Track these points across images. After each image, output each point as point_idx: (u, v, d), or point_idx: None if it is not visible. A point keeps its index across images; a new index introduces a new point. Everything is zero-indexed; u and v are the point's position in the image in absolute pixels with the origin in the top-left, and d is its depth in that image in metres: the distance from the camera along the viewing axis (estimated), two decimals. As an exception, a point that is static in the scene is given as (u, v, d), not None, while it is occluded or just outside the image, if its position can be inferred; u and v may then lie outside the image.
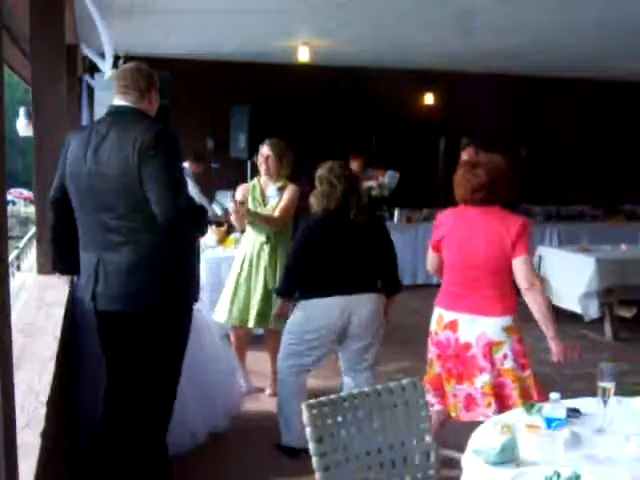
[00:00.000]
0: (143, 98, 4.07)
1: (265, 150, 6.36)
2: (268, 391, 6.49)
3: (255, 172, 7.16)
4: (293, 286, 5.26)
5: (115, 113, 4.05)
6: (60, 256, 4.41)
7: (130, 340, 4.01)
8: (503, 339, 4.25)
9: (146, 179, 3.74)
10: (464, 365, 4.28)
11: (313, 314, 5.13)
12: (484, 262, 4.24)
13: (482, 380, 4.24)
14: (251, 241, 6.30)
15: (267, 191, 6.41)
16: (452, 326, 4.31)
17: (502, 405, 4.21)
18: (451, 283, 4.43)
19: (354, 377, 5.29)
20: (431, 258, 4.63)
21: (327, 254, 5.10)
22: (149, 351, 4.03)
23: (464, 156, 7.50)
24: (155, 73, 4.23)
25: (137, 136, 3.79)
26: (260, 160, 6.41)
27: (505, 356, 4.26)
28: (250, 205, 6.35)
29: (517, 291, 4.31)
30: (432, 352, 4.51)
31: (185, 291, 4.13)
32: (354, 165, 11.55)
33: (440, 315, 4.42)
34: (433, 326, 4.48)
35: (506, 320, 4.27)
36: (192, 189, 9.26)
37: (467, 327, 4.26)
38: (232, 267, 6.61)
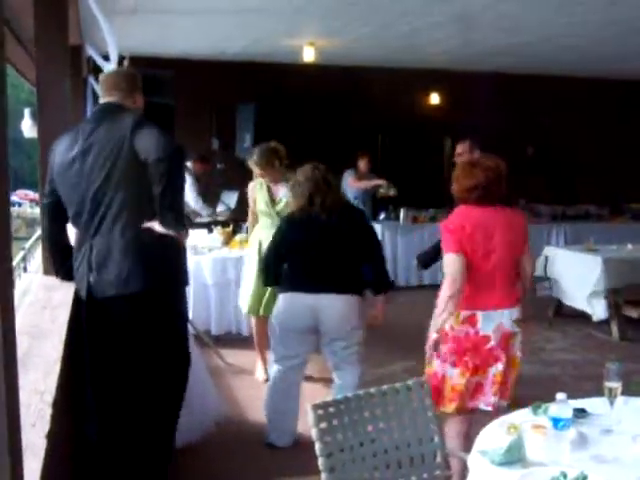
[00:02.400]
0: (127, 97, 4.24)
1: (253, 162, 6.47)
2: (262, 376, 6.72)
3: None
4: (272, 279, 5.38)
5: (101, 110, 4.22)
6: (59, 262, 4.49)
7: (127, 327, 4.05)
8: (516, 330, 4.28)
9: (140, 136, 3.86)
10: (481, 357, 4.26)
11: (283, 308, 5.24)
12: (504, 259, 4.26)
13: (496, 369, 4.24)
14: (265, 235, 6.27)
15: (278, 192, 6.49)
16: (471, 321, 4.27)
17: (502, 394, 4.27)
18: (474, 284, 4.37)
19: (340, 376, 5.33)
20: (459, 261, 4.26)
21: (297, 252, 5.21)
22: (150, 336, 4.07)
23: (458, 149, 7.47)
24: (138, 75, 4.40)
25: (129, 118, 3.96)
26: (254, 167, 6.53)
27: (516, 346, 4.34)
28: (261, 204, 6.51)
29: None
30: (444, 348, 4.40)
31: (176, 273, 4.18)
32: (362, 163, 11.60)
33: (456, 314, 4.38)
34: (447, 324, 4.42)
35: (518, 311, 4.31)
36: (190, 187, 9.29)
37: (486, 321, 4.24)
38: (249, 260, 6.77)
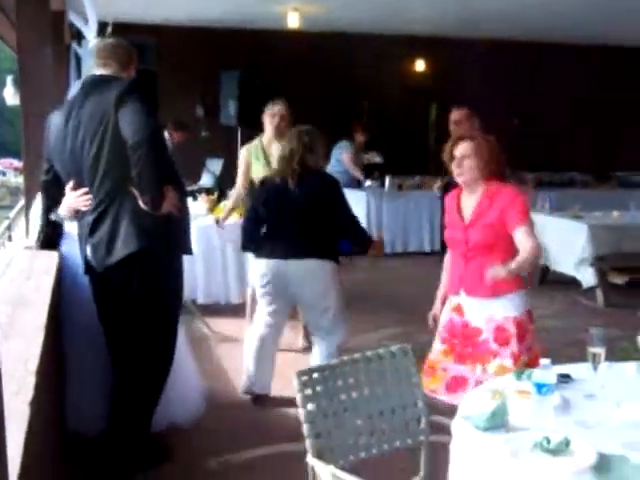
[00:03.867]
0: (122, 70, 4.22)
1: (280, 109, 6.58)
2: (301, 343, 6.80)
3: (245, 139, 7.15)
4: (249, 242, 5.50)
5: (94, 80, 4.20)
6: (44, 233, 4.59)
7: (123, 290, 4.09)
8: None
9: (122, 115, 3.85)
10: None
11: (254, 269, 5.53)
12: None
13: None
14: None
15: (272, 150, 6.50)
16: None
17: None
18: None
19: (317, 342, 5.47)
20: None
21: (268, 217, 5.31)
22: (141, 300, 4.11)
23: (455, 116, 7.37)
24: (135, 51, 4.38)
25: (114, 90, 3.95)
26: (268, 118, 6.59)
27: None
28: (255, 165, 6.56)
29: None
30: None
31: (172, 237, 4.20)
32: (358, 136, 11.68)
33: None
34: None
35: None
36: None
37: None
38: None
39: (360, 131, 11.76)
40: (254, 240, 5.43)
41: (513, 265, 3.96)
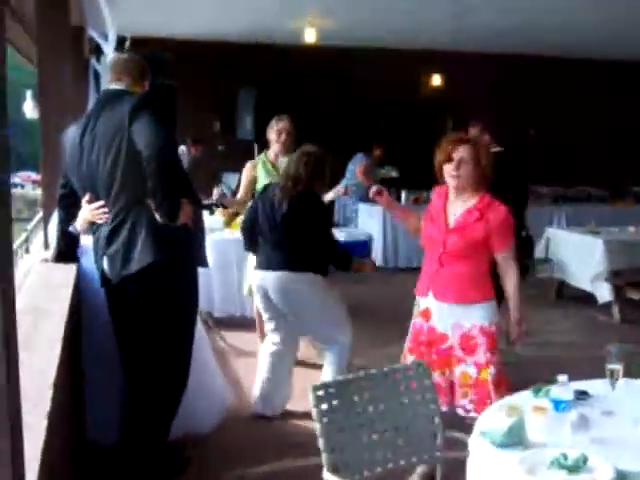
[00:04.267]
0: (135, 85, 4.25)
1: (285, 125, 6.59)
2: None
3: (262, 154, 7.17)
4: (248, 245, 5.63)
5: (108, 95, 4.25)
6: (61, 247, 4.63)
7: (139, 301, 4.11)
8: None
9: (136, 129, 3.86)
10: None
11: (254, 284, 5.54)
12: None
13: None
14: None
15: (281, 165, 6.47)
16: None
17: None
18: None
19: (323, 354, 5.57)
20: None
21: (258, 228, 5.41)
22: (157, 311, 4.11)
23: (472, 132, 7.24)
24: (147, 65, 4.42)
25: (128, 103, 3.97)
26: (274, 135, 6.60)
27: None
28: (264, 179, 6.49)
29: None
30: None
31: (188, 249, 4.21)
32: (377, 152, 11.79)
33: None
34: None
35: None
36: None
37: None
38: None
39: (379, 151, 11.85)
40: (250, 240, 5.56)
41: (515, 308, 4.17)
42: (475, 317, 4.12)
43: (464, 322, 4.12)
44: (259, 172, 6.63)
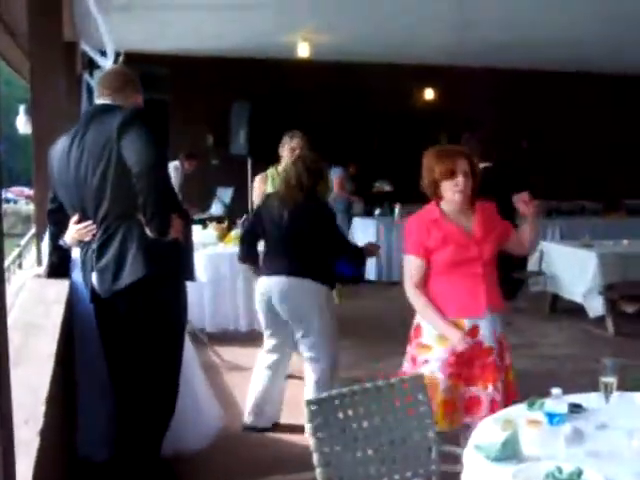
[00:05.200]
0: (118, 95, 4.22)
1: (299, 142, 6.62)
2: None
3: (257, 168, 7.19)
4: (244, 255, 5.63)
5: (97, 109, 4.25)
6: (52, 262, 4.62)
7: (129, 316, 4.09)
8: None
9: (125, 144, 3.85)
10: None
11: (256, 291, 5.49)
12: None
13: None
14: None
15: None
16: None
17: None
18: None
19: (306, 369, 5.47)
20: None
21: (262, 235, 5.45)
22: (147, 326, 4.09)
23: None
24: (130, 72, 4.44)
25: (117, 118, 3.94)
26: (287, 152, 6.61)
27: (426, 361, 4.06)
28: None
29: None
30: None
31: (178, 263, 4.20)
32: (352, 169, 11.87)
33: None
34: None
35: None
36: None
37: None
38: None
39: (352, 164, 11.93)
40: (247, 250, 5.58)
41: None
42: (501, 324, 4.14)
43: (498, 329, 4.10)
44: (269, 187, 6.66)
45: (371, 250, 5.81)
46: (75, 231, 4.12)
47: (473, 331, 4.01)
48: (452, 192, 4.03)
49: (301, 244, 5.25)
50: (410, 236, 4.13)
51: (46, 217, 4.51)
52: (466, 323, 4.00)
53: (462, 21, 9.39)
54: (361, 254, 5.68)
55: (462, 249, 4.03)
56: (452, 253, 4.01)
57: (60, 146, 4.20)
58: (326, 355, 5.38)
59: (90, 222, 4.05)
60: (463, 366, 4.02)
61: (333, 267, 5.48)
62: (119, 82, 4.26)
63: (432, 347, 4.01)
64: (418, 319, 4.13)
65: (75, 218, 4.13)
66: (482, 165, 6.07)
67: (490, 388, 4.02)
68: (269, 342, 5.56)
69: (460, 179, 3.99)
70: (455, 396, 4.00)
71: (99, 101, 4.26)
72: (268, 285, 5.31)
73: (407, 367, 4.16)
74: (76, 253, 4.52)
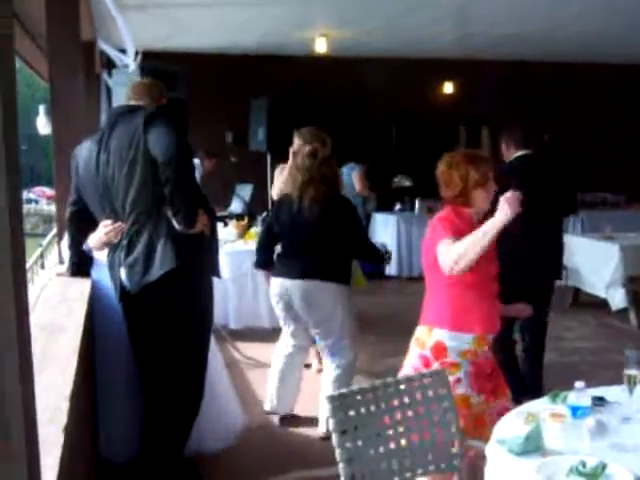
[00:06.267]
0: (152, 103, 4.30)
1: (297, 145, 6.37)
2: (316, 367, 6.79)
3: (276, 165, 7.17)
4: (262, 261, 5.57)
5: (122, 111, 4.27)
6: (74, 262, 4.61)
7: (158, 309, 4.12)
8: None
9: (151, 136, 3.90)
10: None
11: (271, 292, 5.49)
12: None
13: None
14: None
15: None
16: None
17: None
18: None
19: (325, 363, 5.52)
20: None
21: (281, 236, 5.40)
22: (175, 319, 4.12)
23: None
24: (165, 88, 4.52)
25: (139, 117, 4.01)
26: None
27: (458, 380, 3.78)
28: None
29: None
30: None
31: (205, 257, 4.22)
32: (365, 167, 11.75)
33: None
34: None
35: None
36: None
37: None
38: None
39: (367, 162, 11.85)
40: (266, 256, 5.51)
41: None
42: None
43: None
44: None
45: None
46: (104, 234, 4.14)
47: (490, 344, 3.91)
48: (484, 200, 3.83)
49: (324, 244, 5.18)
50: (452, 223, 3.76)
51: (67, 220, 4.52)
52: (488, 338, 3.85)
53: (476, 16, 9.36)
54: (379, 255, 5.54)
55: (491, 265, 3.86)
56: (485, 268, 3.75)
57: (86, 149, 4.22)
58: (347, 353, 5.39)
59: (119, 223, 4.08)
60: (486, 380, 3.88)
61: (351, 264, 5.44)
62: (157, 92, 4.39)
63: (460, 363, 3.76)
64: (434, 337, 3.78)
65: (105, 222, 4.15)
66: (521, 153, 5.95)
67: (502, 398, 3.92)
68: (287, 335, 5.60)
69: (493, 186, 3.81)
70: (485, 410, 3.83)
71: (129, 102, 4.32)
72: (287, 287, 5.28)
73: None
74: (98, 254, 4.55)
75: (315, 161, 5.25)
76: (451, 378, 3.59)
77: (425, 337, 3.82)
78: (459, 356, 3.75)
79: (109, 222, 4.14)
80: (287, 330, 5.57)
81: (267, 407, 5.65)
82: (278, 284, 5.35)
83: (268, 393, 5.65)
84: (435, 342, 3.77)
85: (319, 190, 5.17)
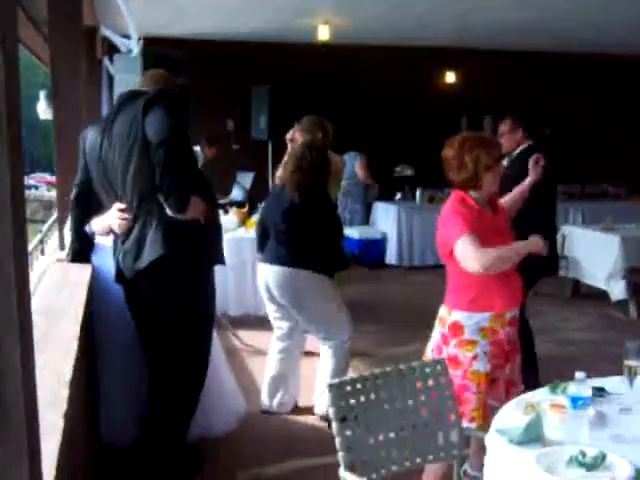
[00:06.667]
0: (152, 84, 4.32)
1: (296, 133, 6.33)
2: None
3: (277, 153, 7.17)
4: (258, 245, 5.64)
5: (128, 96, 4.25)
6: (75, 247, 4.59)
7: (152, 295, 4.12)
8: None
9: (148, 120, 3.91)
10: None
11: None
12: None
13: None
14: None
15: None
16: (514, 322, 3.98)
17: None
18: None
19: (327, 355, 5.49)
20: None
21: (267, 223, 5.48)
22: (170, 306, 4.10)
23: (500, 128, 6.73)
24: (171, 75, 4.54)
25: (140, 100, 4.01)
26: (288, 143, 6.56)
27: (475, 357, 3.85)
28: None
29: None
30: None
31: (200, 245, 4.18)
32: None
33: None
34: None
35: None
36: None
37: None
38: None
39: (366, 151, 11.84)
40: (261, 241, 5.58)
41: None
42: None
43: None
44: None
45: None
46: (114, 219, 4.12)
47: (512, 321, 3.93)
48: (493, 182, 3.89)
49: (299, 231, 5.24)
50: (464, 217, 3.80)
51: (71, 202, 4.50)
52: (508, 315, 3.88)
53: (480, 3, 9.33)
54: (345, 264, 5.77)
55: (503, 240, 3.86)
56: (497, 245, 3.79)
57: (91, 135, 4.21)
58: (336, 339, 5.40)
59: (126, 215, 4.08)
60: (502, 358, 3.92)
61: (329, 255, 5.39)
62: (170, 83, 4.40)
63: (478, 341, 3.81)
64: (453, 317, 3.89)
65: (119, 205, 4.12)
66: (526, 144, 6.01)
67: (508, 368, 3.98)
68: (278, 328, 5.62)
69: (501, 167, 3.92)
70: (489, 394, 3.88)
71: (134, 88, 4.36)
72: (265, 272, 5.38)
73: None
74: (100, 238, 4.54)
75: (306, 151, 5.27)
76: (468, 355, 3.78)
77: (446, 316, 3.94)
78: (477, 333, 3.83)
79: (123, 206, 4.11)
80: (274, 320, 5.61)
81: (263, 405, 5.62)
82: (260, 269, 5.49)
83: (264, 391, 5.64)
84: (453, 321, 3.89)
85: (301, 180, 5.21)
